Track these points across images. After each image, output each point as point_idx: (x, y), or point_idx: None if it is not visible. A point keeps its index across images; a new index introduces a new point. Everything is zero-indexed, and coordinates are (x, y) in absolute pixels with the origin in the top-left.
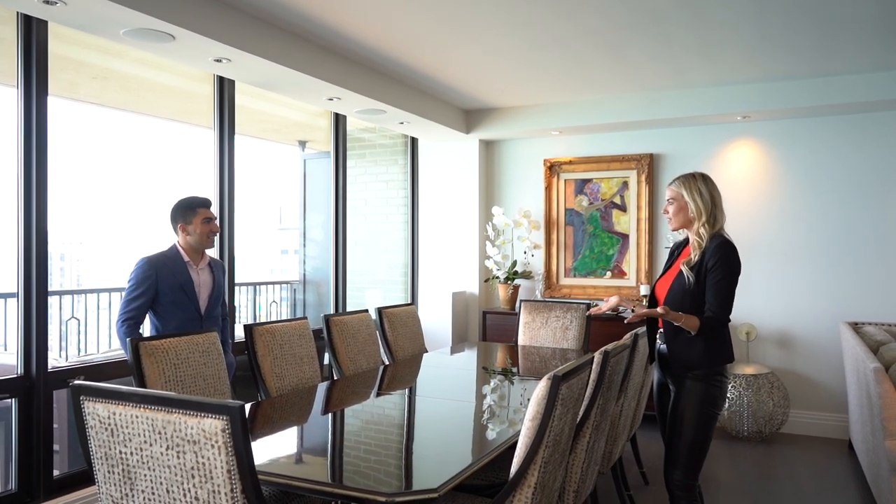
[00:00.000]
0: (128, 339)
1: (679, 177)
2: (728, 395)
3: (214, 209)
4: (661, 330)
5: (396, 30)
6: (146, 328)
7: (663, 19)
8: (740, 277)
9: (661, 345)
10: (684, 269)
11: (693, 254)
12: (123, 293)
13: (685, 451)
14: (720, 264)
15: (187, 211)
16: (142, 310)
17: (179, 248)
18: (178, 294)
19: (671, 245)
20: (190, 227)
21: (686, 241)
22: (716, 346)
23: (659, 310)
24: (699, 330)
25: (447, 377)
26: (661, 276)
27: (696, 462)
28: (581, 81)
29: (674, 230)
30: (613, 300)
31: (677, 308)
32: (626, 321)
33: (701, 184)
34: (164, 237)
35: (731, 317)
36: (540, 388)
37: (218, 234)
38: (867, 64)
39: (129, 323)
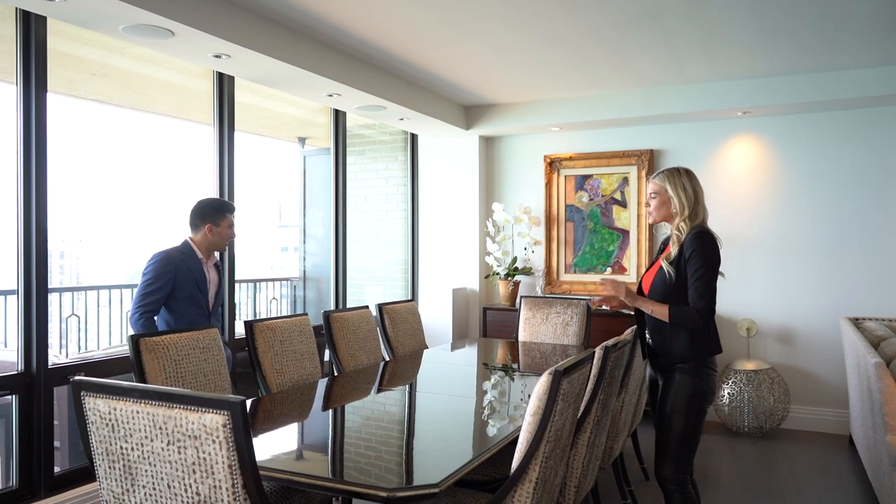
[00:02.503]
0: (143, 329)
1: (662, 171)
2: (729, 391)
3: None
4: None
5: (396, 25)
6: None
7: (664, 14)
8: (741, 273)
9: (648, 340)
10: (664, 263)
11: (673, 248)
12: (138, 286)
13: (674, 444)
14: (696, 255)
15: (218, 213)
16: (159, 303)
17: (193, 245)
18: (193, 290)
19: (662, 239)
20: (217, 228)
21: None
22: (701, 339)
23: (622, 296)
24: (670, 317)
25: (448, 373)
26: (646, 271)
27: (685, 455)
28: (581, 77)
29: (652, 224)
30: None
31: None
32: (591, 305)
33: (685, 178)
34: (162, 233)
35: (717, 309)
36: (541, 382)
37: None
38: (870, 58)
39: (147, 315)
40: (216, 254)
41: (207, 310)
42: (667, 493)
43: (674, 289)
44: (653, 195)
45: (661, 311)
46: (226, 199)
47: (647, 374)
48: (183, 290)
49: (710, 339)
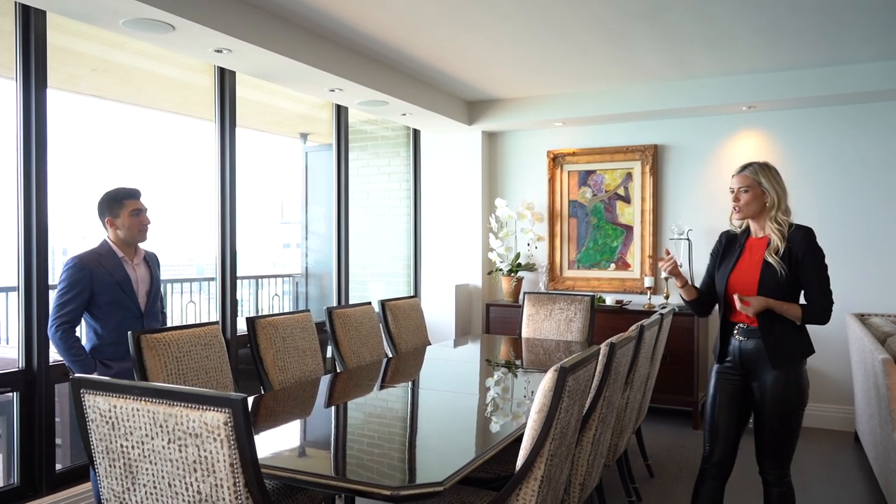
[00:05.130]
0: (61, 341)
1: (751, 165)
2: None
3: (215, 202)
4: (741, 325)
5: (398, 19)
6: (82, 330)
7: (668, 8)
8: None
9: (742, 340)
10: (772, 259)
11: (779, 244)
12: (55, 295)
13: (781, 442)
14: (813, 253)
15: (113, 204)
16: (76, 312)
17: (110, 243)
18: (116, 293)
19: (725, 236)
20: (118, 220)
21: (746, 232)
22: (804, 338)
23: (766, 302)
24: (803, 317)
25: (451, 370)
26: (732, 270)
27: (790, 453)
28: (585, 72)
29: (741, 220)
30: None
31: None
32: (739, 305)
33: (776, 172)
34: (163, 231)
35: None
36: (547, 379)
37: (149, 227)
38: (873, 53)
39: (65, 327)
40: (143, 248)
41: (139, 311)
42: (766, 486)
43: (784, 286)
44: (744, 189)
45: (793, 312)
46: (129, 186)
47: (718, 378)
48: (103, 294)
49: (808, 337)
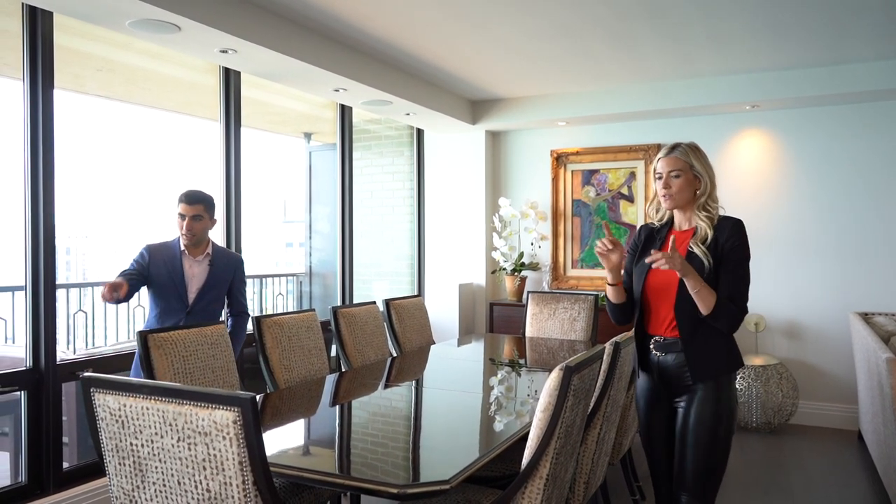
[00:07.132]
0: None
1: (679, 146)
2: (737, 387)
3: (220, 202)
4: (657, 338)
5: (403, 19)
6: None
7: (671, 8)
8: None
9: (660, 355)
10: (697, 248)
11: (706, 234)
12: None
13: (711, 474)
14: (741, 247)
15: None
16: (130, 275)
17: (180, 237)
18: (164, 282)
19: (644, 230)
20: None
21: (668, 225)
22: (734, 346)
23: (685, 266)
24: (714, 308)
25: (455, 369)
26: (650, 268)
27: (717, 486)
28: (588, 71)
29: (669, 209)
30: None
31: (691, 300)
32: (652, 262)
33: (705, 155)
34: (168, 230)
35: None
36: (552, 379)
37: (194, 235)
38: (877, 52)
39: (125, 272)
40: (218, 247)
41: (184, 304)
42: None
43: (710, 281)
44: (675, 174)
45: (707, 298)
46: (192, 189)
47: (646, 396)
48: (156, 280)
49: (736, 348)
